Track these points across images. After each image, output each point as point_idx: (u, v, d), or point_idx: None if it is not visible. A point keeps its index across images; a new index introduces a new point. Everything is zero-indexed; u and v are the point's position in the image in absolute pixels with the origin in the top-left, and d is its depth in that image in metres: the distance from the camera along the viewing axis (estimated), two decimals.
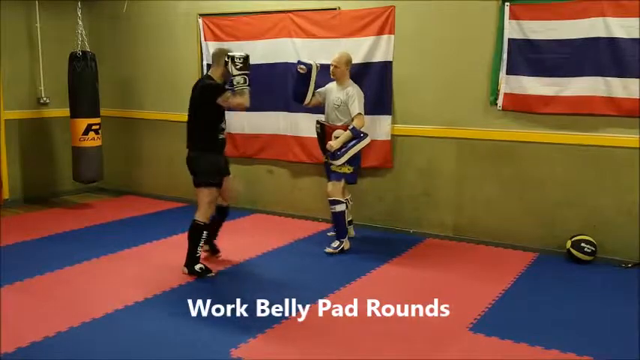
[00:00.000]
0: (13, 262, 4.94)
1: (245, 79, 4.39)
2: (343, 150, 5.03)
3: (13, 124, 6.98)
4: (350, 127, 5.03)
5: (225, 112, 4.69)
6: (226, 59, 4.43)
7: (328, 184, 5.21)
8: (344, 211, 5.17)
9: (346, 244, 5.23)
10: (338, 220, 5.19)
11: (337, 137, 5.07)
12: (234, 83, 4.39)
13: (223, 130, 4.67)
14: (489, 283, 4.55)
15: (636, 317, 3.95)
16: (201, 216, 4.61)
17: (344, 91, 5.12)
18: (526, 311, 4.05)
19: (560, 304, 4.18)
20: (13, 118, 6.94)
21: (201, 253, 4.70)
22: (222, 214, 4.99)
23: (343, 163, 5.07)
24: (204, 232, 4.62)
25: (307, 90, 5.23)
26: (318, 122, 5.36)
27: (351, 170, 5.16)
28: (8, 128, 6.91)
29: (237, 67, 4.37)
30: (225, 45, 6.47)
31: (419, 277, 4.71)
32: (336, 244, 5.19)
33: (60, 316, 3.85)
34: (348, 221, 5.49)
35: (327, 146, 5.10)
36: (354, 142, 5.04)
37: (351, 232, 5.59)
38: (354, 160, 5.15)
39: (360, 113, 5.05)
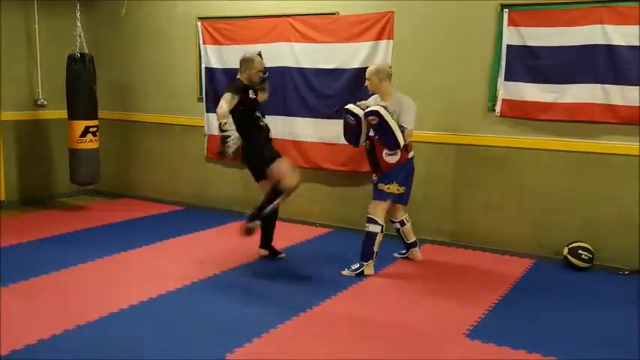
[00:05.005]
0: (9, 264, 4.91)
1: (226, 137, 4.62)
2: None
3: (10, 126, 6.95)
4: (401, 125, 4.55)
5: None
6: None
7: (371, 202, 4.82)
8: (376, 234, 4.71)
9: (368, 269, 4.76)
10: (366, 240, 4.76)
11: (389, 154, 4.67)
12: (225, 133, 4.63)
13: (259, 118, 4.97)
14: (486, 289, 4.55)
15: (634, 323, 3.95)
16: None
17: (398, 103, 4.67)
18: (523, 318, 4.04)
19: (558, 311, 4.17)
20: (10, 119, 6.91)
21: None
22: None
23: (392, 182, 4.70)
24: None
25: (359, 136, 4.75)
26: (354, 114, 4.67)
27: (401, 191, 4.75)
28: (5, 129, 6.89)
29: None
30: (223, 48, 6.50)
31: (416, 283, 4.70)
32: (355, 266, 4.77)
33: (55, 319, 3.83)
34: (412, 242, 5.17)
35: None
36: (390, 127, 4.50)
37: (417, 254, 5.19)
38: (403, 180, 4.76)
39: (409, 130, 4.61)
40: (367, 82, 4.81)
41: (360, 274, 4.75)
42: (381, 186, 4.76)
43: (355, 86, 5.68)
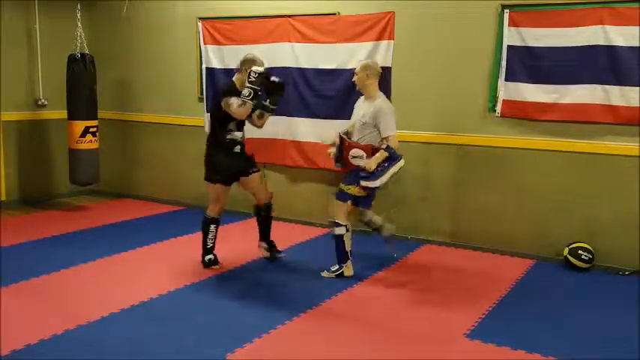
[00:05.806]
0: (9, 264, 4.91)
1: (250, 92, 4.52)
2: (380, 170, 4.50)
3: (11, 126, 6.95)
4: (384, 147, 4.53)
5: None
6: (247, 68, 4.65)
7: (333, 202, 4.79)
8: (343, 235, 4.69)
9: (347, 270, 4.76)
10: (337, 243, 4.74)
11: (354, 156, 4.57)
12: (242, 94, 4.56)
13: (231, 131, 4.77)
14: (486, 289, 4.55)
15: (634, 323, 3.95)
16: (209, 210, 4.93)
17: (372, 104, 4.67)
18: (523, 318, 4.04)
19: (558, 311, 4.17)
20: (10, 119, 6.92)
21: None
22: (258, 214, 5.11)
23: (354, 184, 4.59)
24: (212, 225, 4.91)
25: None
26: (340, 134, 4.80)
27: (363, 193, 4.66)
28: (6, 129, 6.89)
29: (250, 80, 4.53)
30: (224, 48, 6.51)
31: (416, 283, 4.70)
32: (334, 267, 4.78)
33: (55, 319, 3.83)
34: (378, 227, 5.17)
35: (367, 166, 4.49)
36: (391, 162, 4.54)
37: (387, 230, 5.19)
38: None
39: (392, 135, 4.60)
40: (355, 77, 4.80)
41: (340, 276, 4.74)
42: (342, 186, 4.70)
43: (355, 86, 5.68)
